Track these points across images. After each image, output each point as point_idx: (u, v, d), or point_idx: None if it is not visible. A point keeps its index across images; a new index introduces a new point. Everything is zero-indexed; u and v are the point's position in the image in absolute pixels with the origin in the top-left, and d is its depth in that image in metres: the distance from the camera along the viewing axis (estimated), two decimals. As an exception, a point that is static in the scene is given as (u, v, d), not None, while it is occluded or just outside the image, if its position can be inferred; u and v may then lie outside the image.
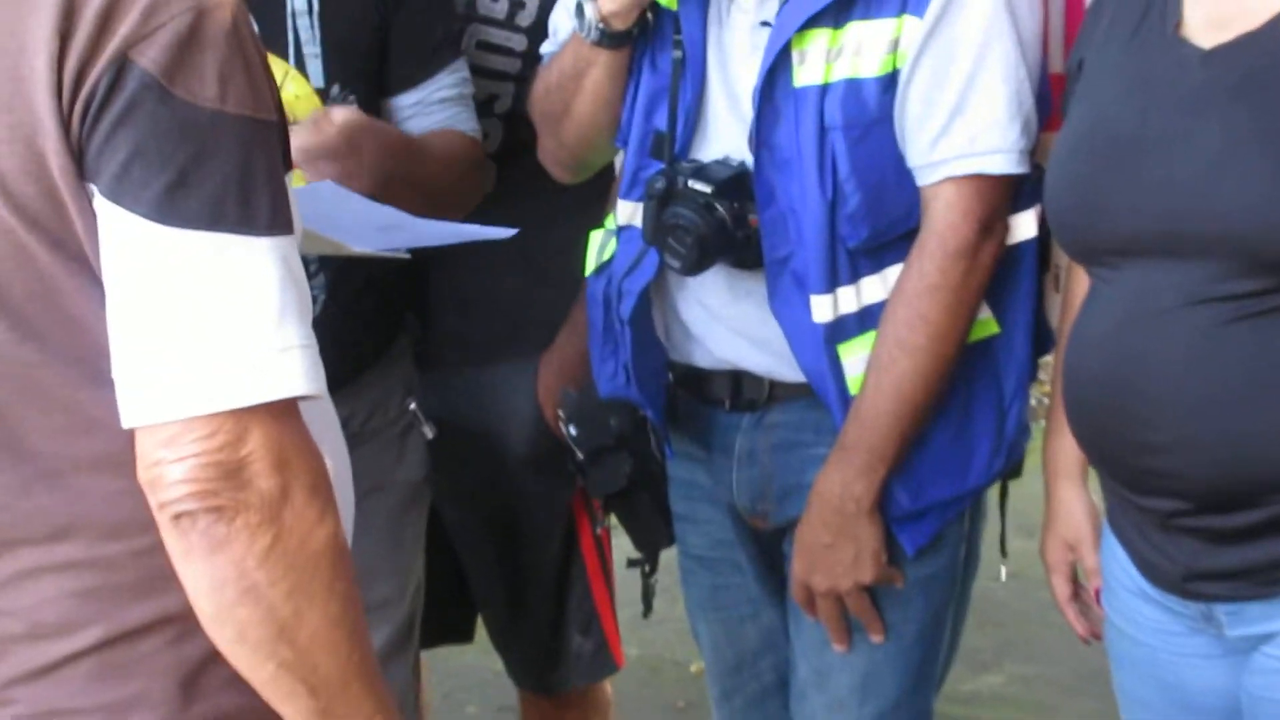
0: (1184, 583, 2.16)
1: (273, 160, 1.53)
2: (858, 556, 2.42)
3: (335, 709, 1.51)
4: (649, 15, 2.47)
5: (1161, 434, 2.07)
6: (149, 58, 1.44)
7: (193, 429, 1.42)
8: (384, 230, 2.19)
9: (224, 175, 1.47)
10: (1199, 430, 2.05)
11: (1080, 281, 2.30)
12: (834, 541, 2.41)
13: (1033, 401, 2.71)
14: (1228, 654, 2.17)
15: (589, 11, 2.42)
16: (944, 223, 2.35)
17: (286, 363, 1.46)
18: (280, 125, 1.58)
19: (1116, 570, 2.29)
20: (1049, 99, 2.45)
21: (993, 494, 2.67)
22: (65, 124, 1.44)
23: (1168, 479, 2.10)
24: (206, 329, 1.43)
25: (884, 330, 2.39)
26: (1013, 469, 2.60)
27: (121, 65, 1.44)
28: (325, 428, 1.66)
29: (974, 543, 2.63)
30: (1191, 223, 2.02)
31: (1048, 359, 2.63)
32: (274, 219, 1.48)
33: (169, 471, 1.42)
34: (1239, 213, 1.98)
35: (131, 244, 1.44)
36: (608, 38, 2.45)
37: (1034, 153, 2.43)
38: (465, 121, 2.75)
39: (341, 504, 1.57)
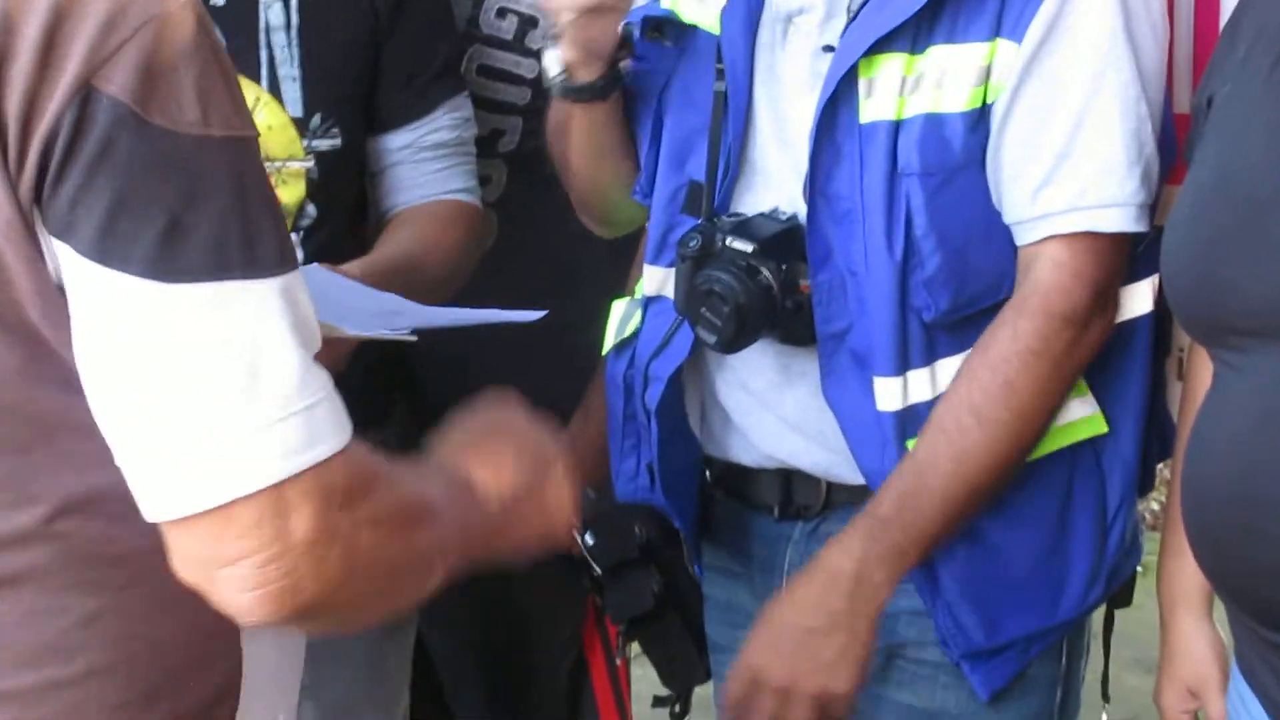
0: None
1: (266, 184, 1.57)
2: (841, 657, 2.27)
3: None
4: (623, 67, 2.47)
5: None
6: (117, 83, 1.43)
7: (232, 518, 1.45)
8: (382, 315, 2.22)
9: (221, 211, 1.47)
10: None
11: (1204, 369, 2.24)
12: (820, 627, 2.26)
13: (1149, 507, 2.61)
14: None
15: (547, 60, 2.43)
16: (1051, 282, 2.27)
17: (318, 417, 1.50)
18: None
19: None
20: (1174, 143, 2.39)
21: (1097, 622, 2.61)
22: (12, 173, 1.43)
23: None
24: (224, 397, 1.45)
25: (956, 391, 2.30)
26: (1120, 596, 2.54)
27: (86, 96, 1.42)
28: None
29: (1072, 685, 2.55)
30: None
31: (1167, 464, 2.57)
32: (281, 254, 1.51)
33: (227, 582, 1.47)
34: None
35: (125, 308, 1.44)
36: (574, 90, 2.45)
37: (1154, 209, 2.37)
38: (462, 178, 2.75)
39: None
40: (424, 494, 1.71)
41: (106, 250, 1.43)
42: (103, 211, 1.43)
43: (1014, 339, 2.27)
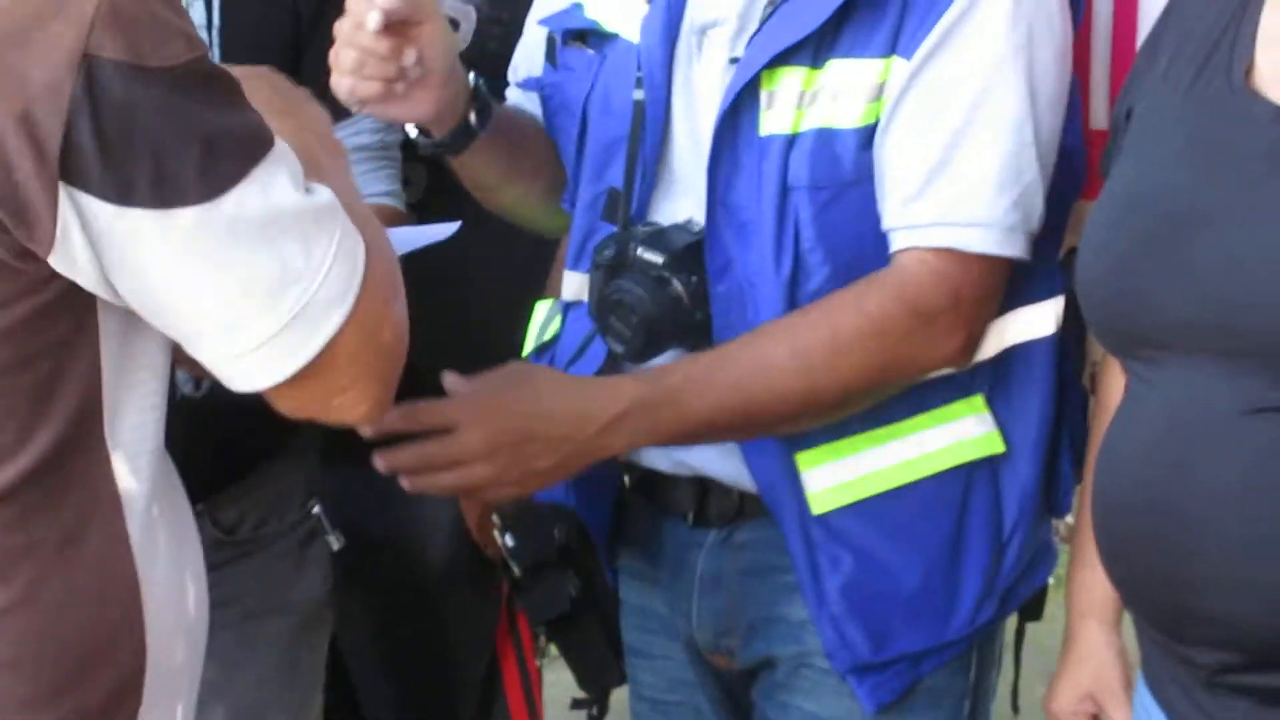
0: None
1: (234, 81, 1.63)
2: (537, 478, 2.24)
3: None
4: (476, 113, 2.45)
5: (1210, 571, 2.03)
6: (109, 47, 1.48)
7: (335, 355, 1.62)
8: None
9: (231, 122, 1.57)
10: (1255, 567, 2.00)
11: (1116, 381, 2.27)
12: (548, 449, 2.21)
13: (1065, 520, 2.72)
14: None
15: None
16: (911, 273, 2.29)
17: (347, 246, 1.64)
18: None
19: None
20: (1082, 169, 2.42)
21: (1010, 633, 2.63)
22: (35, 147, 1.48)
23: (1216, 626, 2.05)
24: (286, 270, 1.58)
25: (789, 322, 2.29)
26: (1031, 609, 2.55)
27: (88, 67, 1.48)
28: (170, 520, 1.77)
29: (982, 697, 2.56)
30: (1255, 315, 1.99)
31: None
32: (263, 132, 1.62)
33: (341, 406, 1.68)
34: None
35: (190, 234, 1.54)
36: (432, 148, 2.46)
37: (1064, 231, 2.40)
38: (385, 181, 2.73)
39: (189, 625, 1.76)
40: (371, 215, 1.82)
41: (162, 194, 1.50)
42: (148, 160, 1.50)
43: (858, 304, 2.28)
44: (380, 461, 2.11)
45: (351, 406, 1.66)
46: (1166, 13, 2.27)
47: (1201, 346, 2.02)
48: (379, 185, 2.70)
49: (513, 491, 2.29)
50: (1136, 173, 2.17)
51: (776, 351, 2.27)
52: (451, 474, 2.16)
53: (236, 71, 1.71)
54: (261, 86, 1.81)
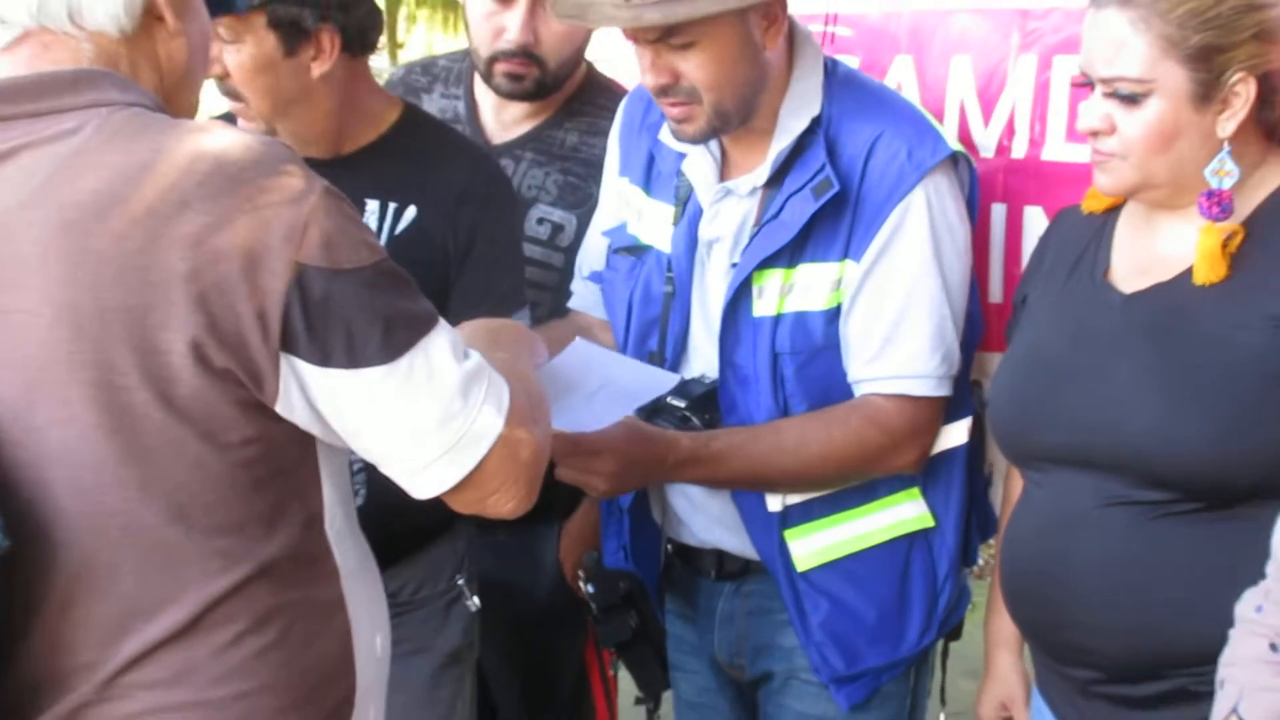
0: None
1: (406, 276, 1.61)
2: (624, 488, 2.30)
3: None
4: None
5: (1081, 616, 2.05)
6: (313, 257, 1.47)
7: (484, 471, 1.58)
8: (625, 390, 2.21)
9: (403, 305, 1.55)
10: (1111, 615, 2.02)
11: (1016, 482, 2.28)
12: (636, 476, 2.28)
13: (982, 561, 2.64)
14: None
15: None
16: (882, 407, 2.29)
17: (495, 386, 1.60)
18: None
19: None
20: (981, 327, 2.41)
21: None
22: (263, 328, 1.47)
23: (1086, 654, 2.07)
24: (450, 406, 1.55)
25: (802, 422, 2.30)
26: (953, 633, 2.52)
27: (299, 273, 1.46)
28: (365, 583, 1.72)
29: (920, 696, 2.53)
30: (1103, 442, 2.01)
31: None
32: (431, 311, 1.60)
33: (494, 503, 1.62)
34: (1141, 437, 1.97)
35: (374, 386, 1.51)
36: None
37: (971, 371, 2.39)
38: None
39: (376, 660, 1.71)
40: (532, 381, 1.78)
41: (353, 358, 1.49)
42: (343, 335, 1.48)
43: (847, 423, 2.28)
44: (559, 473, 2.14)
45: (502, 504, 1.61)
46: (1048, 233, 2.30)
47: (1072, 461, 2.04)
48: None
49: (614, 493, 2.33)
50: (1030, 342, 2.19)
51: (788, 442, 2.27)
52: (588, 477, 2.19)
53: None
54: (479, 329, 1.82)
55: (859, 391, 2.31)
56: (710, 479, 2.32)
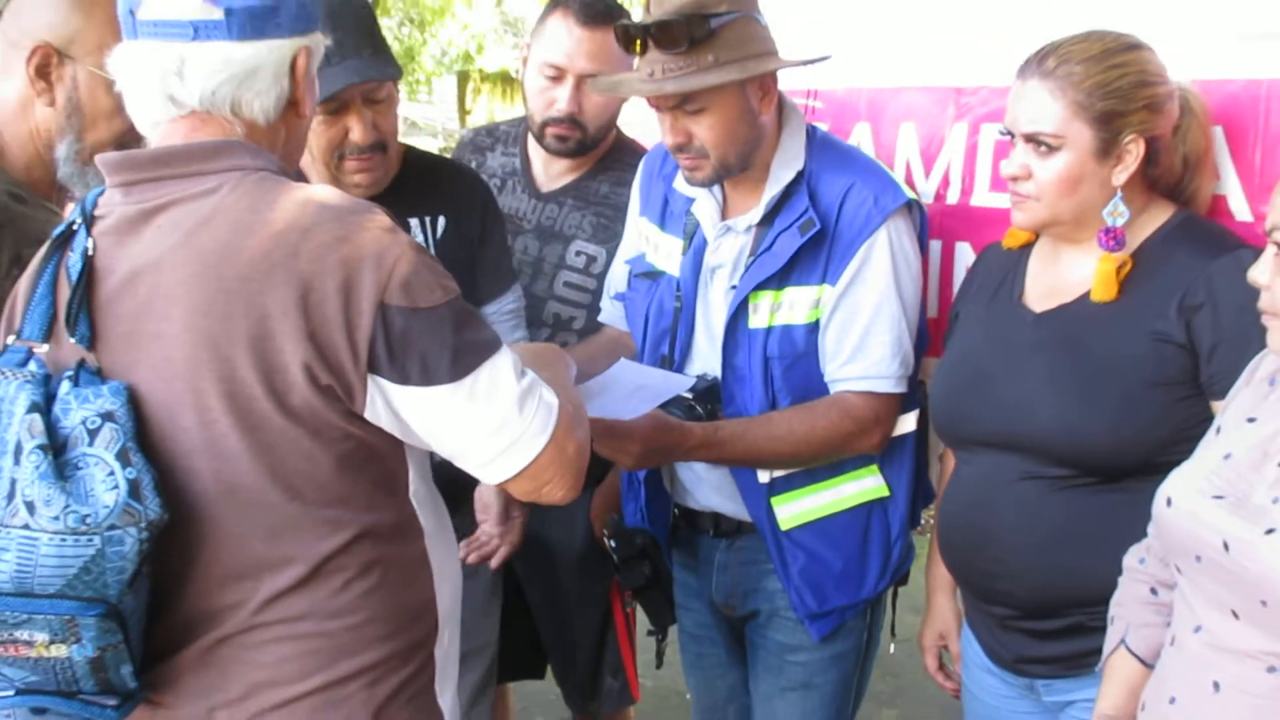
0: (1014, 664, 2.13)
1: (473, 310, 1.58)
2: (647, 463, 2.25)
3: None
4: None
5: (1001, 567, 2.06)
6: (395, 297, 1.46)
7: (539, 465, 1.55)
8: (651, 388, 2.19)
9: (470, 335, 1.51)
10: (1024, 565, 2.03)
11: (950, 461, 2.28)
12: (659, 455, 2.23)
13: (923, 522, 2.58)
14: (1043, 713, 2.13)
15: None
16: (853, 403, 2.28)
17: (546, 397, 1.57)
18: None
19: (970, 653, 2.25)
20: (926, 337, 2.39)
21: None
22: (354, 354, 1.46)
23: (1004, 595, 2.08)
24: (508, 414, 1.53)
25: (791, 414, 2.27)
26: (902, 580, 2.51)
27: (383, 311, 1.45)
28: (442, 539, 1.69)
29: (875, 629, 2.52)
30: (1019, 430, 2.01)
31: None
32: (496, 337, 1.57)
33: (547, 492, 1.59)
34: (1048, 426, 1.97)
35: (444, 401, 1.49)
36: None
37: (918, 373, 2.38)
38: (518, 330, 2.62)
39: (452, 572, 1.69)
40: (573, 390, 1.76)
41: (426, 377, 1.47)
42: (419, 361, 1.46)
43: (826, 415, 2.26)
44: (597, 447, 2.06)
45: (554, 493, 1.59)
46: (975, 263, 2.30)
47: (994, 445, 2.05)
48: (518, 333, 2.60)
49: (638, 468, 2.31)
50: (961, 349, 2.20)
51: (778, 430, 2.25)
52: (619, 455, 2.16)
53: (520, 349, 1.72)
54: (526, 352, 1.75)
55: (834, 389, 2.30)
56: (717, 459, 2.30)
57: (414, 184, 2.44)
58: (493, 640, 2.74)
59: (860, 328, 2.25)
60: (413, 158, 2.52)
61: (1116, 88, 1.92)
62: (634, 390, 2.17)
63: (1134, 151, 1.94)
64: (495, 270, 2.57)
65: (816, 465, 2.33)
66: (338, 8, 2.17)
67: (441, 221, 2.49)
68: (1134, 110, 1.93)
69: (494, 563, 2.52)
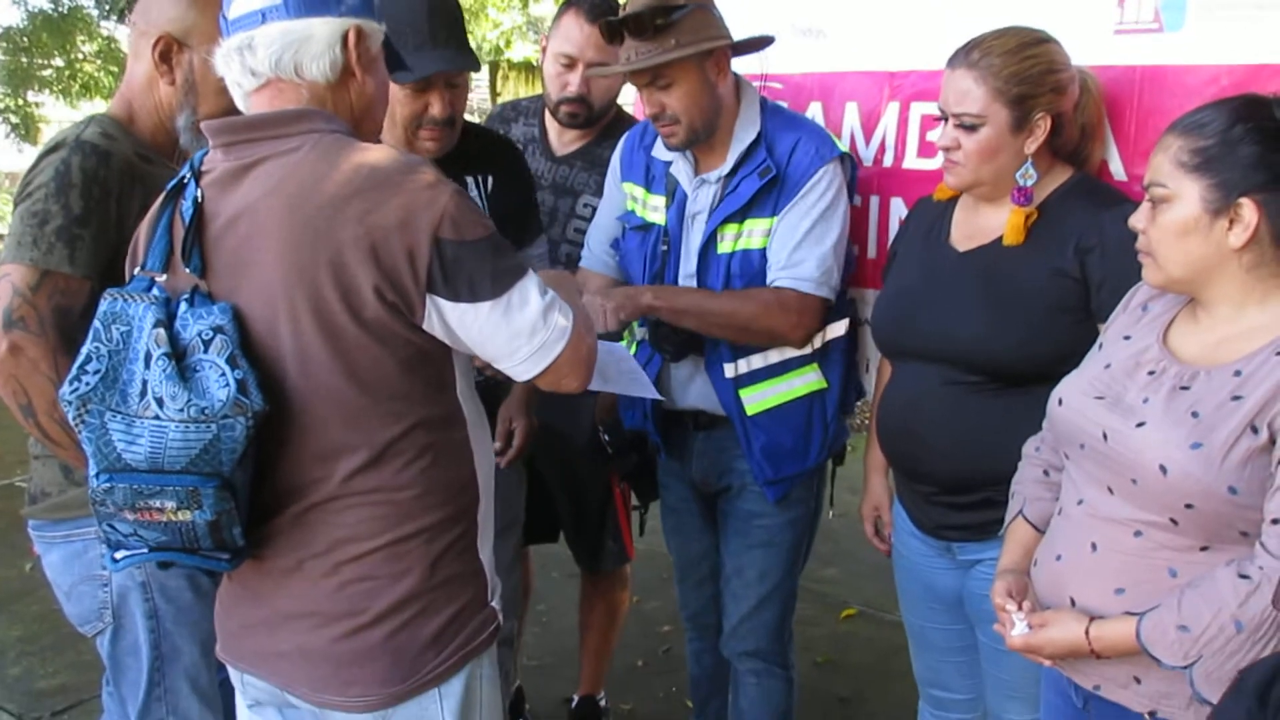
0: (935, 530, 2.12)
1: (507, 243, 1.53)
2: (619, 315, 2.20)
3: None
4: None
5: (926, 453, 2.05)
6: (447, 231, 1.42)
7: (563, 359, 1.52)
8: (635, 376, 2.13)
9: (506, 261, 1.47)
10: (945, 452, 2.02)
11: (886, 369, 2.25)
12: (626, 306, 2.20)
13: (855, 420, 2.61)
14: (957, 569, 2.13)
15: None
16: (785, 293, 2.24)
17: (560, 304, 1.53)
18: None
19: (899, 522, 2.23)
20: (854, 261, 2.37)
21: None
22: (415, 277, 1.43)
23: (928, 476, 2.07)
24: (537, 319, 1.49)
25: (738, 293, 2.25)
26: (838, 458, 2.50)
27: (438, 242, 1.42)
28: (481, 429, 1.65)
29: (820, 498, 2.51)
30: (944, 345, 1.99)
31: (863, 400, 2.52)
32: (522, 262, 1.52)
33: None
34: (968, 343, 1.96)
35: (488, 314, 1.46)
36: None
37: (847, 293, 2.35)
38: (548, 262, 2.60)
39: (485, 456, 1.63)
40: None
41: (474, 295, 1.45)
42: (467, 282, 1.44)
43: (760, 294, 2.23)
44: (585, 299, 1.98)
45: (571, 384, 1.57)
46: (910, 213, 2.24)
47: (924, 357, 2.03)
48: (546, 264, 2.56)
49: (616, 314, 2.19)
50: (898, 280, 2.16)
51: (723, 301, 2.24)
52: (601, 305, 2.15)
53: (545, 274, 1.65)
54: (547, 276, 1.67)
55: (772, 284, 2.27)
56: (669, 308, 2.24)
57: (470, 150, 2.43)
58: (521, 515, 2.74)
59: (793, 243, 2.23)
60: (468, 129, 2.48)
61: (1029, 75, 1.88)
62: (617, 365, 2.11)
63: (1042, 126, 1.91)
64: (527, 223, 2.54)
65: (752, 342, 2.28)
66: (437, 5, 2.19)
67: (490, 180, 2.45)
68: (1043, 93, 1.90)
69: (516, 441, 2.50)
